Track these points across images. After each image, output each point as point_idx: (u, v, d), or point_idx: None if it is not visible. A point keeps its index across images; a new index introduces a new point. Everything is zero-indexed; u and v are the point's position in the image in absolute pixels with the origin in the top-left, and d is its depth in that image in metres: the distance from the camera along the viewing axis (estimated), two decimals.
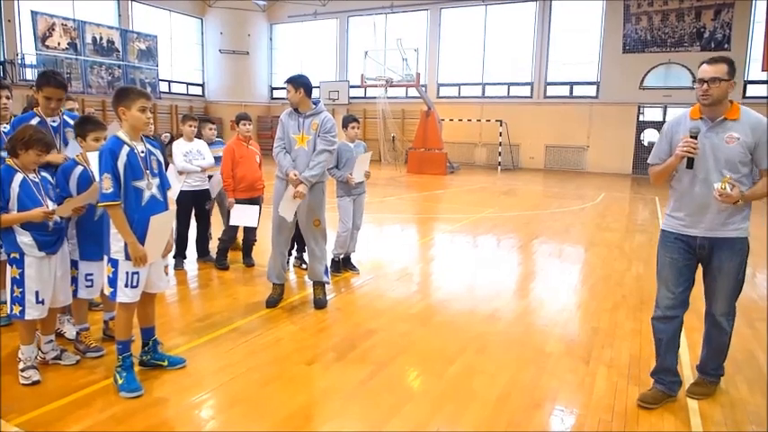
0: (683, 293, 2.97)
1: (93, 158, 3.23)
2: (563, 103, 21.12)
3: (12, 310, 3.05)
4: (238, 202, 5.43)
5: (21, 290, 3.02)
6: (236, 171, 5.43)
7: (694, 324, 3.68)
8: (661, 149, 2.99)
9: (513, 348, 3.77)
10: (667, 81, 19.01)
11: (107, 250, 2.97)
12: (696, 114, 2.85)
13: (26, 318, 3.03)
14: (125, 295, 2.98)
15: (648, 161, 3.10)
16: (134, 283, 2.98)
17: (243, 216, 5.38)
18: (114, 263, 2.95)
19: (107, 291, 3.03)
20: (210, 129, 5.95)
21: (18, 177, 3.01)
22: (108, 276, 2.99)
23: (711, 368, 3.10)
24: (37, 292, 3.03)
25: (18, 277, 3.02)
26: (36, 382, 3.02)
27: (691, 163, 2.79)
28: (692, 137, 2.75)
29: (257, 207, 5.46)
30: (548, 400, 3.06)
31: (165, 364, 3.26)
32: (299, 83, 4.28)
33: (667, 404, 3.00)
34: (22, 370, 3.05)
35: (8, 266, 3.06)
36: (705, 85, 2.71)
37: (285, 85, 4.37)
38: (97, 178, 3.10)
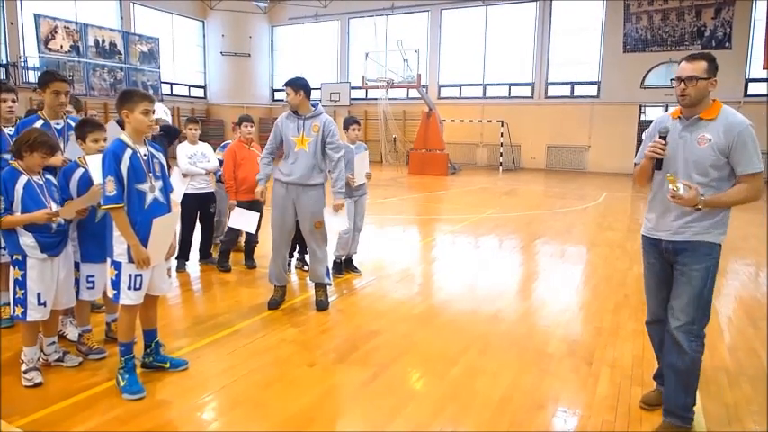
0: (667, 297, 2.82)
1: (92, 161, 3.24)
2: (564, 103, 21.12)
3: (14, 311, 3.06)
4: (240, 203, 5.42)
5: (23, 291, 3.02)
6: (237, 173, 5.44)
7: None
8: (643, 150, 2.82)
9: (516, 349, 3.77)
10: (668, 80, 18.85)
11: (110, 253, 2.98)
12: (677, 114, 2.73)
13: (28, 319, 3.04)
14: (128, 297, 2.98)
15: (634, 161, 3.00)
16: (137, 286, 2.98)
17: (242, 220, 5.36)
18: (117, 265, 2.95)
19: (110, 293, 3.04)
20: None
21: (22, 179, 3.02)
22: (111, 279, 3.00)
23: (677, 406, 2.67)
24: (39, 294, 3.04)
25: (20, 279, 3.03)
26: (38, 384, 3.02)
27: (659, 164, 2.66)
28: (660, 137, 2.64)
29: (257, 214, 5.42)
30: (550, 400, 3.05)
31: (168, 366, 3.26)
32: (299, 85, 4.28)
33: None
34: (25, 372, 3.05)
35: (11, 268, 3.07)
36: (682, 84, 2.58)
37: (284, 89, 4.37)
38: (95, 181, 3.11)
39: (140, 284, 3.00)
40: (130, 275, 2.95)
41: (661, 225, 2.73)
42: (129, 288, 2.97)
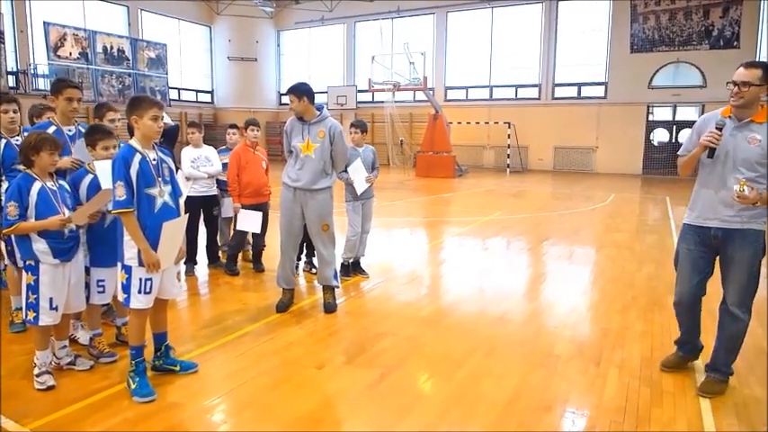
0: (698, 284, 3.19)
1: (100, 166, 3.27)
2: (571, 104, 21.04)
3: (26, 315, 3.10)
4: (245, 207, 5.45)
5: (35, 296, 3.07)
6: (241, 176, 5.46)
7: (708, 326, 3.64)
8: (690, 142, 3.18)
9: (523, 350, 3.77)
10: (676, 80, 18.88)
11: (120, 257, 3.02)
12: (727, 113, 3.02)
13: (40, 324, 3.08)
14: (138, 301, 3.02)
15: (678, 153, 3.30)
16: (147, 290, 3.02)
17: (248, 221, 5.41)
18: (128, 269, 2.99)
19: (121, 297, 3.08)
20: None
21: (36, 186, 3.06)
22: (122, 283, 3.03)
23: (722, 364, 3.14)
24: (51, 299, 3.08)
25: (33, 284, 3.07)
26: (51, 387, 3.06)
27: (712, 153, 2.98)
28: (717, 128, 2.94)
29: (260, 213, 5.45)
30: (558, 402, 3.06)
31: (178, 368, 3.30)
32: (302, 91, 4.26)
33: (679, 404, 2.99)
34: (38, 375, 3.09)
35: (23, 273, 3.12)
36: (736, 88, 2.90)
37: (287, 96, 4.35)
38: (103, 186, 3.15)
39: (150, 288, 3.03)
40: (141, 279, 2.99)
41: (711, 215, 3.08)
42: (140, 292, 3.00)
